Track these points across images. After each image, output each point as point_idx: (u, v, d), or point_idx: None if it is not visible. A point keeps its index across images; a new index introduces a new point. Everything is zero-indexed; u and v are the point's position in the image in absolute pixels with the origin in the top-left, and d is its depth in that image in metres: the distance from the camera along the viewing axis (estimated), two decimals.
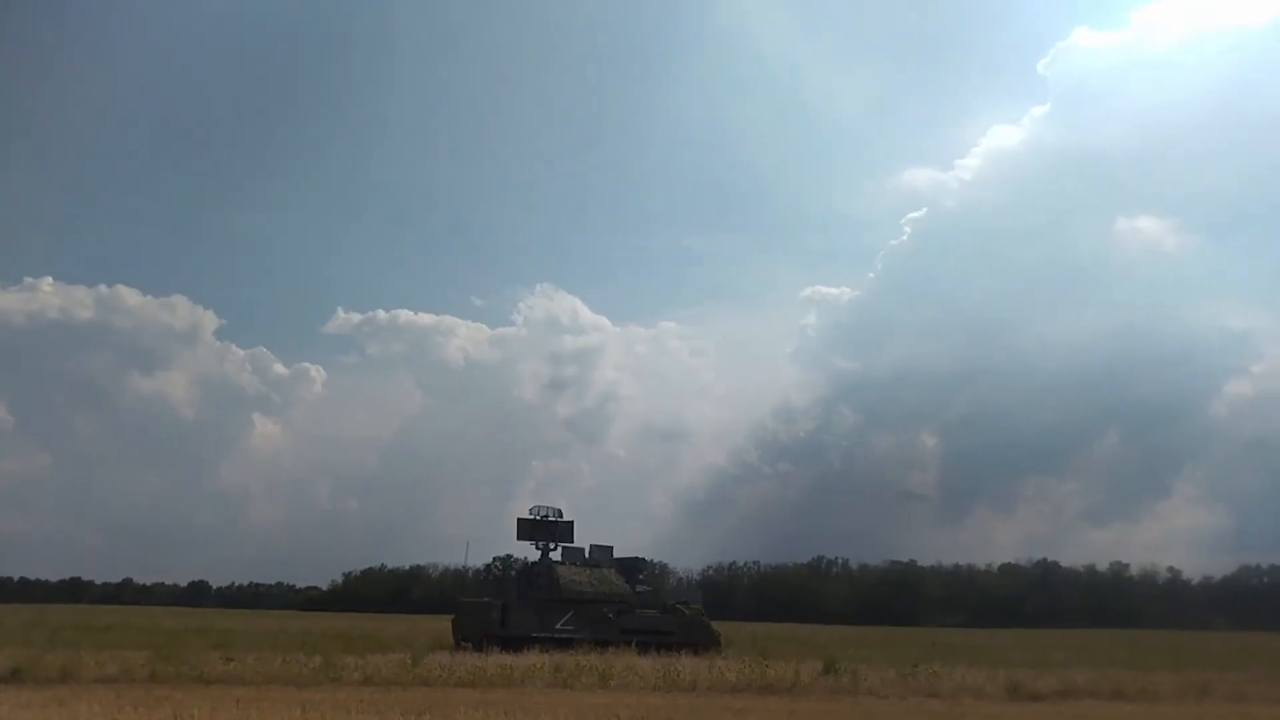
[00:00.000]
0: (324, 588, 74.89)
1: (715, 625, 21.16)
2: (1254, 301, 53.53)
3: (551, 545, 20.69)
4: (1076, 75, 47.52)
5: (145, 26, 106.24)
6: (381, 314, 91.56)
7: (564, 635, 18.49)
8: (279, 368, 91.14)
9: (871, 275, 48.38)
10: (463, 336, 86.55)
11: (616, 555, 21.67)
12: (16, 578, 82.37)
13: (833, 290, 51.42)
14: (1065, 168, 49.68)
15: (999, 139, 51.54)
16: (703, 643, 19.40)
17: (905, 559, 61.57)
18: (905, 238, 47.87)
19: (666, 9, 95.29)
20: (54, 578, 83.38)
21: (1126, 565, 53.89)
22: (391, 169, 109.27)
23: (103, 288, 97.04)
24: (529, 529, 20.68)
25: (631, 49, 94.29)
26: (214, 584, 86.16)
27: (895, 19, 49.39)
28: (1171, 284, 49.29)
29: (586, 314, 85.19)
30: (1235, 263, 52.66)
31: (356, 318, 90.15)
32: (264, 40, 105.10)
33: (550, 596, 19.67)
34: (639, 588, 21.11)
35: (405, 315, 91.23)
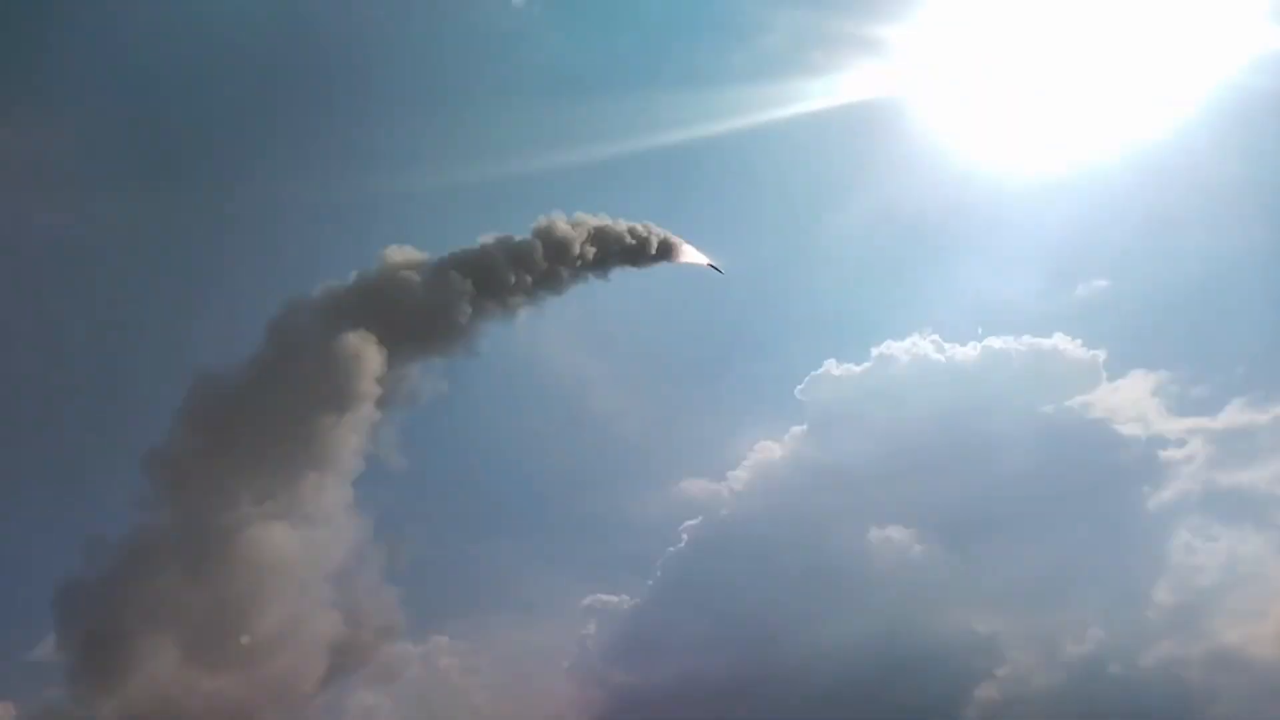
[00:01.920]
0: None
1: None
2: (995, 607, 59.79)
3: None
4: (828, 400, 55.99)
5: None
6: None
7: None
8: None
9: (651, 583, 51.50)
10: None
11: None
12: None
13: (613, 598, 53.29)
14: (822, 481, 55.65)
15: (766, 453, 57.62)
16: None
17: None
18: (683, 544, 51.88)
19: None
20: None
21: None
22: None
23: None
24: None
25: None
26: None
27: (676, 347, 55.95)
28: (921, 590, 54.38)
29: None
30: (975, 569, 59.05)
31: None
32: None
33: None
34: None
35: None
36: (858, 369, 57.75)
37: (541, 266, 29.30)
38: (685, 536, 58.30)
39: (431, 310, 27.47)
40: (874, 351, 56.01)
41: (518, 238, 29.97)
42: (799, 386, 60.24)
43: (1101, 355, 54.56)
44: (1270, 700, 50.40)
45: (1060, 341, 52.84)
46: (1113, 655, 56.92)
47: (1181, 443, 64.09)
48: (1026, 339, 55.24)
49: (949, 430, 62.61)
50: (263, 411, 25.31)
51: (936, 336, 54.38)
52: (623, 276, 32.29)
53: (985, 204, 63.31)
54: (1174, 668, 57.01)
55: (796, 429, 62.05)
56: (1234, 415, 69.07)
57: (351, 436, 26.26)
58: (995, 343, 54.02)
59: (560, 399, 62.41)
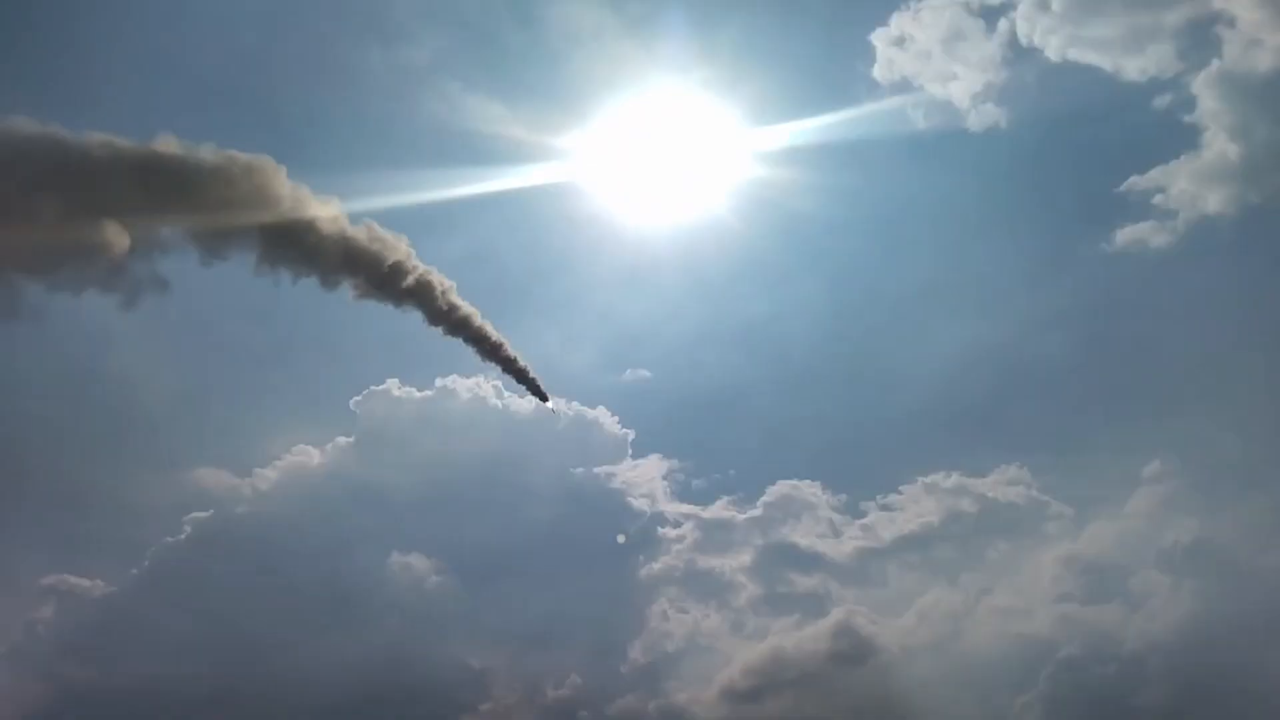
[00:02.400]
0: None
1: None
2: (494, 645, 63.70)
3: None
4: (382, 418, 56.85)
5: None
6: None
7: None
8: None
9: (136, 571, 45.90)
10: None
11: None
12: None
13: (83, 582, 46.18)
14: (356, 496, 56.01)
15: (303, 457, 56.09)
16: None
17: None
18: (184, 536, 47.39)
19: None
20: None
21: None
22: None
23: None
24: None
25: None
26: None
27: (234, 330, 51.70)
28: (429, 620, 56.58)
29: None
30: (482, 606, 62.96)
31: None
32: None
33: None
34: None
35: None
36: (418, 394, 57.53)
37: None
38: (188, 528, 52.24)
39: None
40: (439, 382, 56.37)
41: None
42: (356, 397, 58.34)
43: (631, 434, 60.55)
44: None
45: (601, 414, 57.88)
46: (585, 702, 61.69)
47: (678, 523, 73.40)
48: (575, 405, 59.01)
49: (489, 472, 65.03)
50: None
51: (499, 383, 56.11)
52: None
53: (578, 284, 68.49)
54: (631, 719, 63.32)
55: (342, 440, 59.68)
56: (719, 510, 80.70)
57: None
58: (548, 403, 57.40)
59: (71, 353, 53.00)
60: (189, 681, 45.69)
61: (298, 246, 24.09)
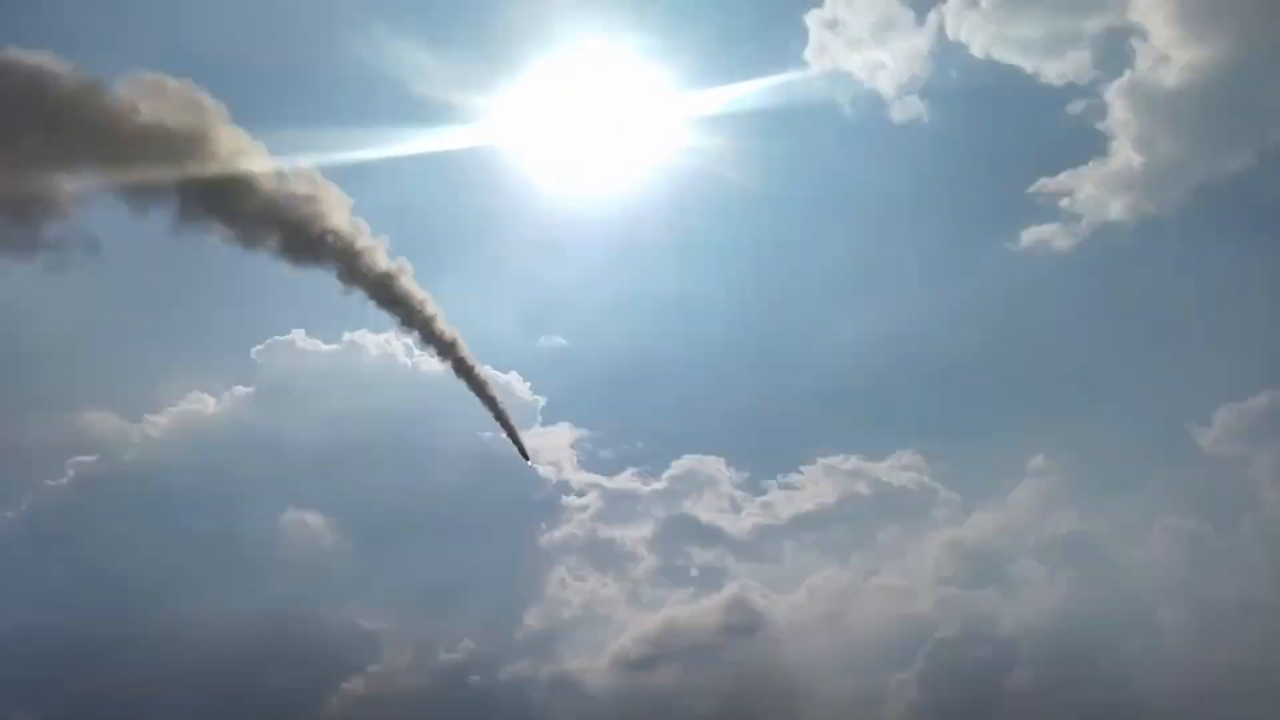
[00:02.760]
0: None
1: None
2: (387, 607, 62.98)
3: None
4: (284, 369, 55.08)
5: None
6: None
7: None
8: None
9: (10, 515, 44.02)
10: None
11: None
12: None
13: None
14: (252, 448, 54.22)
15: (198, 405, 54.14)
16: None
17: None
18: (66, 480, 45.51)
19: None
20: None
21: None
22: None
23: None
24: None
25: None
26: None
27: (135, 269, 48.61)
28: (321, 579, 55.61)
29: None
30: (377, 567, 62.20)
31: None
32: None
33: None
34: None
35: None
36: (324, 347, 56.06)
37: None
38: (72, 472, 50.10)
39: None
40: (347, 336, 55.01)
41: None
42: (258, 347, 56.68)
43: (542, 401, 60.46)
44: (588, 717, 58.85)
45: (514, 380, 57.49)
46: (477, 667, 61.85)
47: (582, 492, 73.74)
48: (488, 368, 57.76)
49: (393, 431, 63.98)
50: None
51: (409, 341, 55.17)
52: None
53: (497, 247, 67.59)
54: (524, 685, 63.74)
55: (241, 390, 57.98)
56: (625, 481, 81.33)
57: None
58: (528, 461, 57.19)
59: None
60: (62, 631, 44.04)
61: (232, 207, 21.44)
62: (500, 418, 32.93)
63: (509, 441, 34.74)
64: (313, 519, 57.83)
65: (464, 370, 30.02)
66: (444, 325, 28.30)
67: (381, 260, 25.02)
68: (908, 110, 59.45)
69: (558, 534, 64.47)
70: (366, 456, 59.63)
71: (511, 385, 60.88)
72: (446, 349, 29.04)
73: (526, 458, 36.45)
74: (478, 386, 31.03)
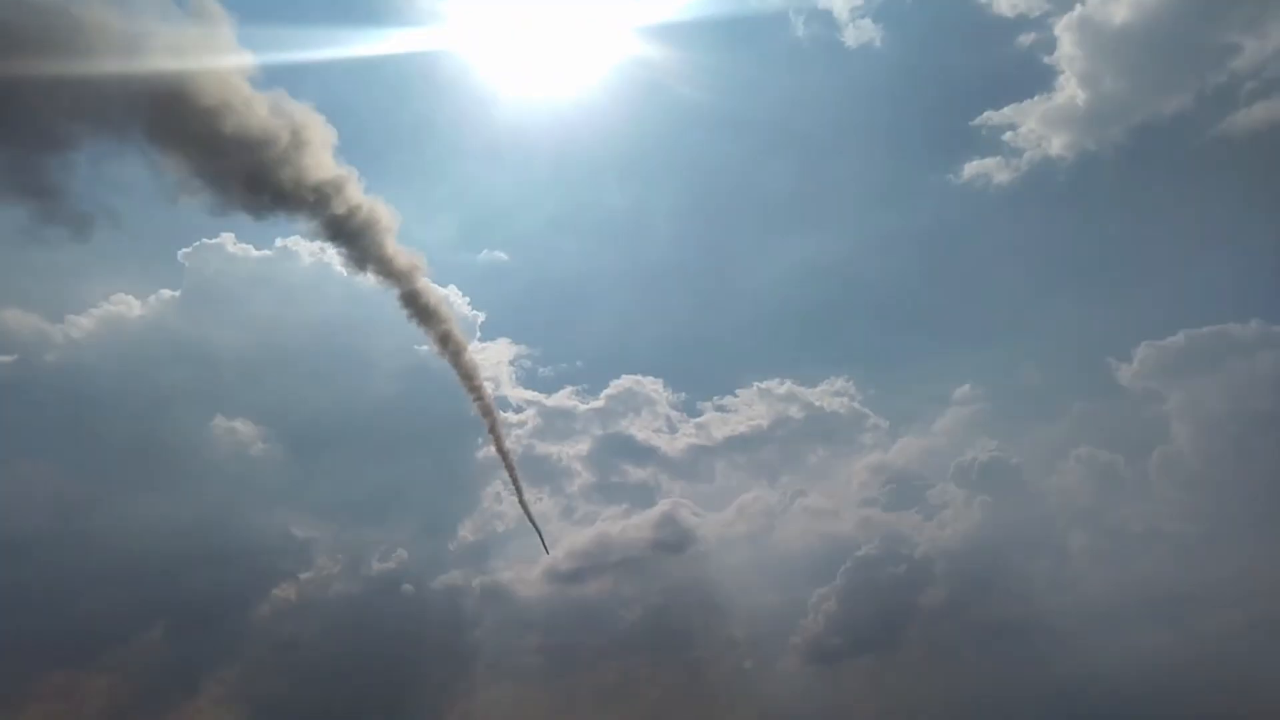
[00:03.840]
0: None
1: None
2: (320, 516, 63.10)
3: None
4: (214, 274, 53.24)
5: None
6: None
7: None
8: None
9: None
10: None
11: None
12: None
13: None
14: (181, 355, 52.66)
15: (122, 307, 52.11)
16: None
17: None
18: None
19: None
20: None
21: None
22: None
23: None
24: None
25: None
26: None
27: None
28: (251, 487, 55.05)
29: None
30: (310, 476, 62.24)
31: None
32: None
33: None
34: None
35: None
36: (256, 253, 54.49)
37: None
38: None
39: None
40: (279, 242, 53.46)
41: None
42: (185, 250, 54.81)
43: (481, 317, 59.89)
44: (519, 626, 60.38)
45: (453, 294, 56.68)
46: (409, 576, 62.76)
47: (520, 409, 74.11)
48: (423, 283, 57.15)
49: (327, 340, 63.10)
50: None
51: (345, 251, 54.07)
52: None
53: (438, 155, 65.75)
54: (456, 594, 64.95)
55: (167, 293, 56.24)
56: (563, 399, 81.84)
57: None
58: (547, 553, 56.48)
59: None
60: None
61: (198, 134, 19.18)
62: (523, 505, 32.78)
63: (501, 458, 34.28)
64: (243, 427, 57.04)
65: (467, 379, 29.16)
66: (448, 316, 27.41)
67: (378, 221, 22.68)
68: (861, 34, 58.91)
69: (492, 449, 64.58)
70: (298, 366, 58.65)
71: (449, 299, 59.78)
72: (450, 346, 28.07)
73: (546, 550, 36.42)
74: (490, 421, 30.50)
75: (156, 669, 41.67)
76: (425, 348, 60.01)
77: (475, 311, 59.70)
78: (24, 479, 45.57)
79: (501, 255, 70.55)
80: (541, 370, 74.25)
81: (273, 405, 59.83)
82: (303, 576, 53.54)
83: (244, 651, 46.04)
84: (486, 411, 30.91)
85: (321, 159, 21.32)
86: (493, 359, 63.87)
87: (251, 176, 20.35)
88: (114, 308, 57.17)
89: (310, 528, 55.93)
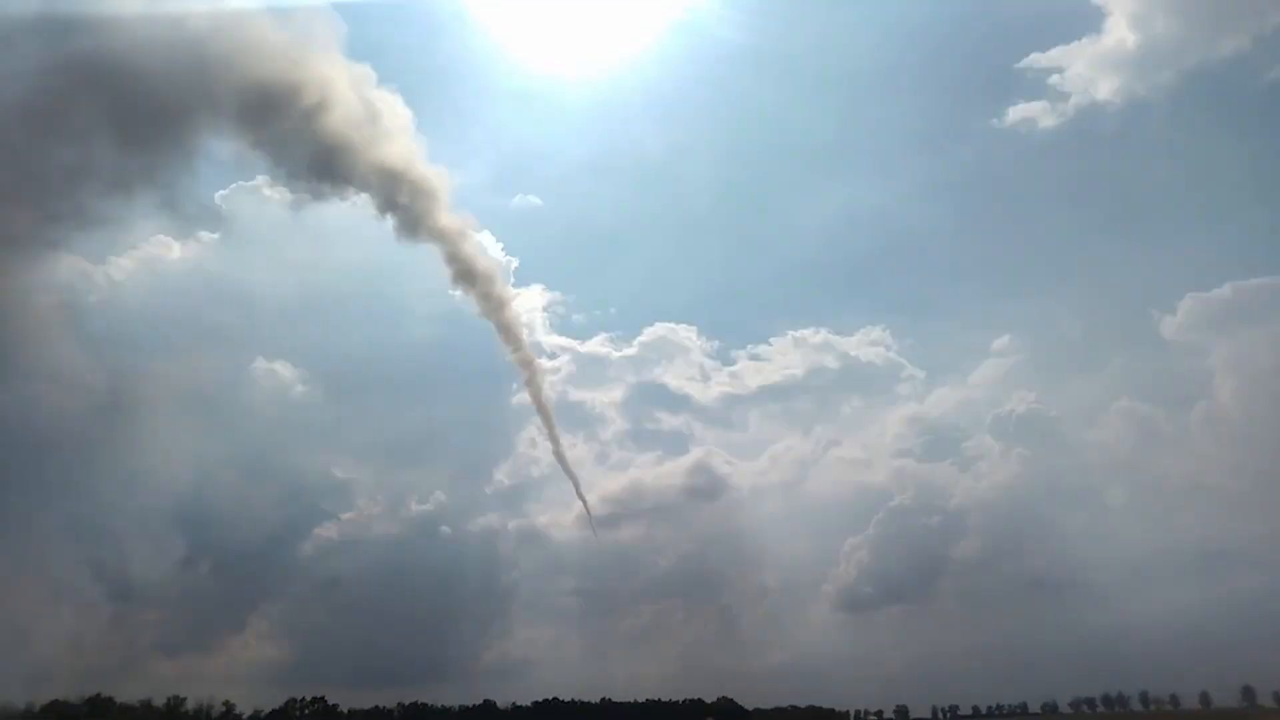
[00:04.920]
0: None
1: None
2: (360, 458, 62.57)
3: None
4: (253, 216, 52.36)
5: None
6: None
7: None
8: None
9: None
10: None
11: None
12: None
13: None
14: (219, 296, 52.27)
15: (163, 249, 51.60)
16: None
17: None
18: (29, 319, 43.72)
19: None
20: None
21: (184, 699, 50.69)
22: None
23: None
24: None
25: None
26: None
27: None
28: (293, 428, 55.08)
29: None
30: (350, 419, 61.97)
31: None
32: None
33: None
34: None
35: None
36: (292, 195, 53.86)
37: None
38: (37, 311, 48.80)
39: None
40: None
41: None
42: (222, 192, 54.59)
43: (515, 263, 59.48)
44: (554, 569, 61.06)
45: (487, 239, 56.26)
46: (447, 518, 63.74)
47: (554, 355, 73.79)
48: (471, 245, 57.16)
49: (364, 284, 63.06)
50: None
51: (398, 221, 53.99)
52: None
53: (472, 96, 64.52)
54: (491, 537, 65.95)
55: (207, 235, 56.16)
56: (596, 345, 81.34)
57: None
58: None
59: None
60: (12, 477, 43.36)
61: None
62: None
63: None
64: (283, 369, 57.42)
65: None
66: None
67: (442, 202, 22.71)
68: None
69: (528, 395, 64.99)
70: (338, 308, 58.73)
71: (483, 245, 59.67)
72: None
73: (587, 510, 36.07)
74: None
75: (204, 605, 42.63)
76: (458, 293, 59.65)
77: (509, 258, 59.06)
78: (63, 420, 45.48)
79: (535, 200, 69.46)
80: (575, 317, 73.19)
81: (312, 348, 59.85)
82: (344, 517, 54.48)
83: (288, 588, 47.11)
84: (527, 365, 30.99)
85: (396, 147, 21.96)
86: (526, 305, 63.43)
87: (328, 165, 21.29)
88: (154, 250, 57.12)
89: (351, 469, 56.67)
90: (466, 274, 26.94)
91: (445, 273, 61.32)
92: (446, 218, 23.37)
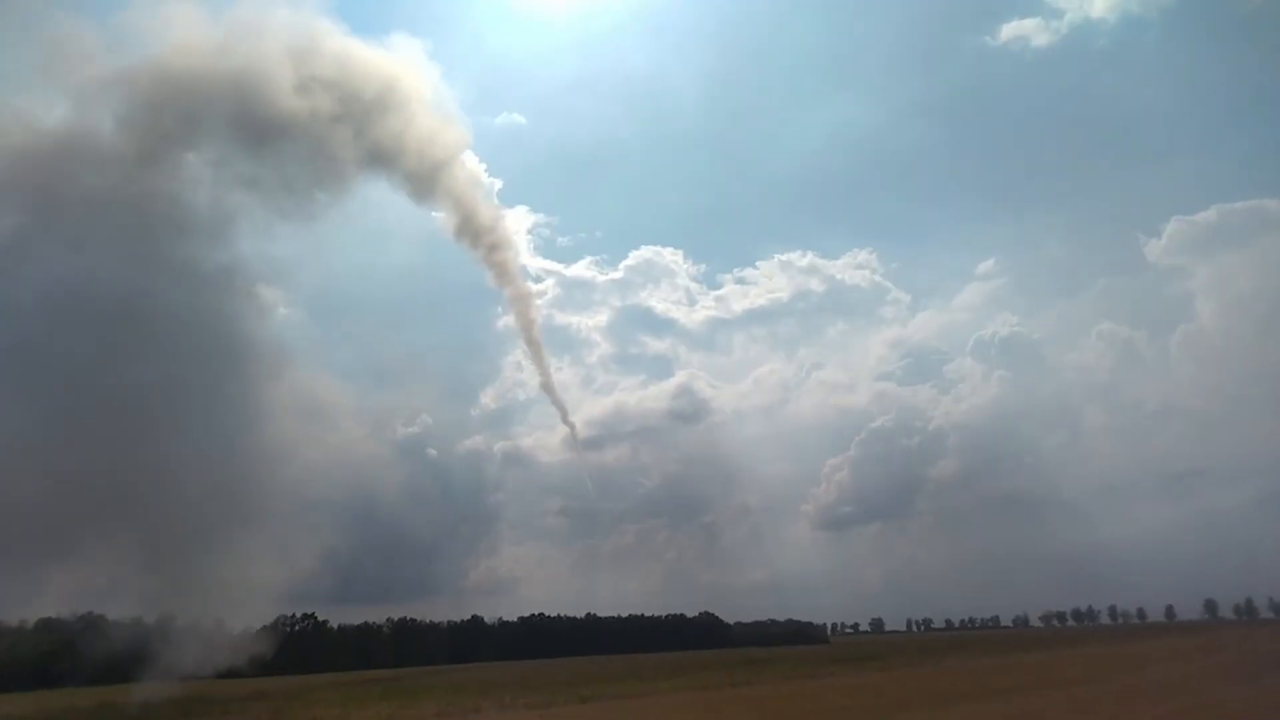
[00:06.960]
0: None
1: None
2: (344, 380, 63.26)
3: None
4: None
5: None
6: None
7: None
8: None
9: None
10: None
11: None
12: None
13: None
14: None
15: None
16: None
17: None
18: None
19: None
20: None
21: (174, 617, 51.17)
22: None
23: None
24: None
25: None
26: None
27: None
28: (276, 349, 55.33)
29: None
30: (338, 343, 61.32)
31: None
32: None
33: None
34: None
35: None
36: None
37: None
38: None
39: None
40: None
41: None
42: None
43: (499, 184, 59.18)
44: (540, 490, 62.23)
45: (468, 159, 55.80)
46: (433, 440, 64.35)
47: (539, 279, 73.92)
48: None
49: (350, 205, 61.39)
50: None
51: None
52: None
53: (451, 8, 61.97)
54: (478, 459, 66.86)
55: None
56: (582, 269, 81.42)
57: None
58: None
59: None
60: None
61: None
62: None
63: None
64: (266, 292, 56.64)
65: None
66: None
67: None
68: None
69: (514, 319, 65.69)
70: (321, 230, 57.73)
71: (464, 163, 59.43)
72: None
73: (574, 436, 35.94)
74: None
75: (190, 525, 42.54)
76: (439, 216, 59.02)
77: (492, 179, 58.83)
78: (39, 354, 44.21)
79: (519, 118, 68.71)
80: (560, 240, 72.52)
81: (297, 276, 59.08)
82: (329, 439, 54.60)
83: (275, 510, 47.20)
84: (520, 300, 31.27)
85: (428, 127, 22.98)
86: (511, 227, 63.41)
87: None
88: None
89: (334, 392, 56.58)
90: (474, 236, 27.38)
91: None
92: (461, 179, 23.55)
